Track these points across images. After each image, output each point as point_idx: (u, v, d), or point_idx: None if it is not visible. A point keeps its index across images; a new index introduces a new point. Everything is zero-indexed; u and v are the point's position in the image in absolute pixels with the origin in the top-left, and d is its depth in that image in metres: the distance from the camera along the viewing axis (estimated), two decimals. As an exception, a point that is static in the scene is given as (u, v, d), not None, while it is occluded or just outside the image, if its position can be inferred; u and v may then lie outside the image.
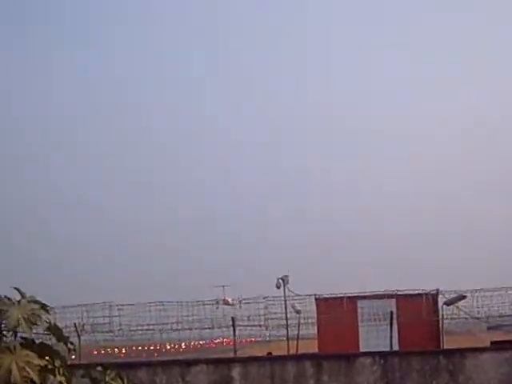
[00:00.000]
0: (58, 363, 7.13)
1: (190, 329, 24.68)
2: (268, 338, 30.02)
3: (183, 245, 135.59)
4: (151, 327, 24.71)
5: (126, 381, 10.59)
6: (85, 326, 24.47)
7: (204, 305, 24.27)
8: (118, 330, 24.72)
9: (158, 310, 24.44)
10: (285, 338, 26.61)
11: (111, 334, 24.99)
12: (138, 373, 20.22)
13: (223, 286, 26.01)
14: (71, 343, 7.41)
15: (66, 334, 7.46)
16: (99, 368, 10.49)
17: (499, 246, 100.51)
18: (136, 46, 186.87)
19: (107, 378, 10.17)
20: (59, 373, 7.33)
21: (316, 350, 27.19)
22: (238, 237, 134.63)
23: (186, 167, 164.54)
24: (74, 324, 23.92)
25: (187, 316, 24.38)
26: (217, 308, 24.86)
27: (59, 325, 7.32)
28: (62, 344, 7.28)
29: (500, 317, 25.56)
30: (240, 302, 24.80)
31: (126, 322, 24.73)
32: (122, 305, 24.55)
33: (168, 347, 74.85)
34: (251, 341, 48.51)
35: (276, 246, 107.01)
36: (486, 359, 20.04)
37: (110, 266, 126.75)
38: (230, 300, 25.72)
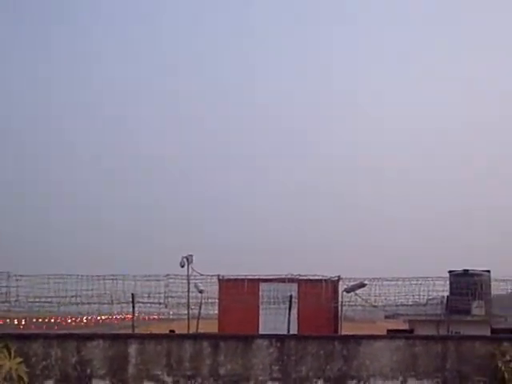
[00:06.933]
0: None
1: (89, 303, 24.43)
2: (171, 317, 29.95)
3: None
4: (49, 299, 24.33)
5: (13, 352, 10.41)
6: (-20, 296, 23.95)
7: (104, 280, 24.04)
8: (15, 300, 24.26)
9: (58, 283, 24.09)
10: (187, 317, 26.61)
11: (7, 305, 24.53)
12: (33, 344, 19.96)
13: None
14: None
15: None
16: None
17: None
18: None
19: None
20: None
21: (216, 331, 27.34)
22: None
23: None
24: None
25: (86, 290, 24.13)
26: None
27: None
28: None
29: (396, 306, 26.15)
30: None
31: (24, 294, 24.29)
32: (21, 275, 24.10)
33: (69, 321, 73.96)
34: (153, 318, 48.36)
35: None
36: (379, 346, 20.54)
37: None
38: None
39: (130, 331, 24.53)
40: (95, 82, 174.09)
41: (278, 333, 22.71)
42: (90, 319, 73.11)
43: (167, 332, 26.84)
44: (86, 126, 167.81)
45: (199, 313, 26.93)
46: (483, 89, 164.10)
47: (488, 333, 26.00)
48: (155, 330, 31.70)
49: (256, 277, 27.00)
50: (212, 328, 27.82)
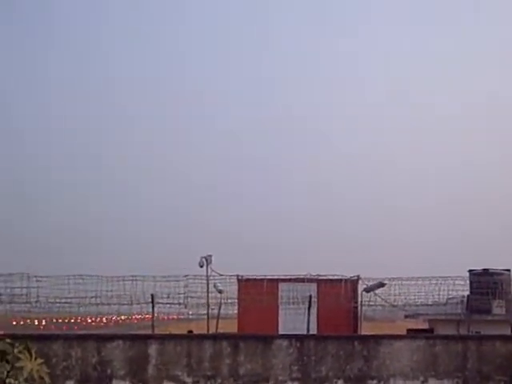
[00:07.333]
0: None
1: (109, 304, 24.52)
2: (190, 317, 30.02)
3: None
4: (69, 300, 24.46)
5: (34, 353, 10.41)
6: (1, 297, 24.10)
7: (124, 280, 24.11)
8: (35, 301, 24.39)
9: (77, 284, 24.21)
10: (206, 317, 26.65)
11: (28, 306, 24.67)
12: (54, 345, 20.04)
13: None
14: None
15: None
16: (8, 340, 10.30)
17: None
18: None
19: (15, 351, 9.98)
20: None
21: (236, 331, 27.35)
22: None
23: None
24: None
25: (106, 291, 24.22)
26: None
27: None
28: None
29: (416, 305, 26.06)
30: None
31: (44, 294, 24.42)
32: (41, 276, 24.23)
33: (89, 321, 74.27)
34: (173, 318, 48.48)
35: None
36: (399, 346, 20.45)
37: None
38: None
39: (149, 331, 24.57)
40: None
41: (298, 333, 22.69)
42: (110, 319, 73.40)
43: (186, 332, 26.90)
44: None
45: (219, 313, 26.95)
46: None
47: (508, 332, 25.85)
48: (174, 330, 31.81)
49: (275, 277, 26.98)
50: (231, 328, 27.83)
